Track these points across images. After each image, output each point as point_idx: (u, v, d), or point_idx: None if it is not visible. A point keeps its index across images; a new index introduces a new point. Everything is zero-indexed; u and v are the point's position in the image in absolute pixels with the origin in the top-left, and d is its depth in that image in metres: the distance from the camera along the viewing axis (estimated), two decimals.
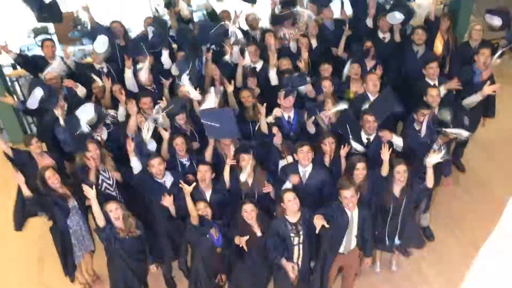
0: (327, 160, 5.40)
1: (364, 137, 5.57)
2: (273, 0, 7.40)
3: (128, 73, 6.41)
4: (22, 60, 6.82)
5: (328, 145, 5.32)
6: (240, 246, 4.77)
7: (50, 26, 11.52)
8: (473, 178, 7.09)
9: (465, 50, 6.86)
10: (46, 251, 6.10)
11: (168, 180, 5.26)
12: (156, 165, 5.14)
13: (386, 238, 5.32)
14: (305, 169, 5.22)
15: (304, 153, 5.11)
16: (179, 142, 5.43)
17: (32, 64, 6.82)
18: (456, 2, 8.43)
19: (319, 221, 4.52)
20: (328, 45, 7.28)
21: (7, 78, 7.90)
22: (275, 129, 5.53)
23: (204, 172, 5.07)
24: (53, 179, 4.99)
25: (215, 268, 5.13)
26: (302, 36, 6.93)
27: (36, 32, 11.05)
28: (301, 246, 4.81)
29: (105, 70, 6.78)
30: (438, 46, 7.10)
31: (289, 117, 5.87)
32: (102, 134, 5.80)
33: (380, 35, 7.19)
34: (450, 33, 7.19)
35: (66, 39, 11.47)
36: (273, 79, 6.40)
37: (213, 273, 5.15)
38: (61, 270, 5.43)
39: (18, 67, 9.67)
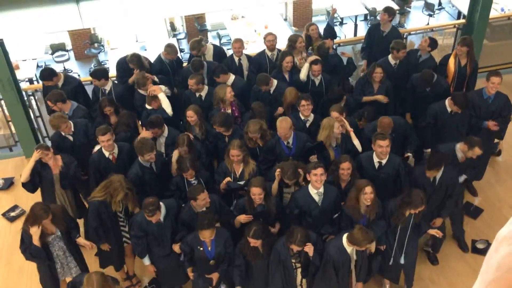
0: (343, 186, 5.36)
1: (375, 161, 5.56)
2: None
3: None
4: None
5: (345, 170, 5.27)
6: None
7: (67, 43, 11.73)
8: (483, 202, 6.99)
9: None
10: None
11: (161, 216, 5.13)
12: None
13: (392, 257, 5.30)
14: (319, 191, 5.14)
15: (318, 176, 5.00)
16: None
17: None
18: (469, 25, 8.45)
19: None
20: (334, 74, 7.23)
21: (24, 92, 8.03)
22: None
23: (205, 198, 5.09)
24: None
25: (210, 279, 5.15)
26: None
27: (54, 48, 11.26)
28: (302, 268, 4.84)
29: (106, 89, 6.88)
30: (451, 67, 7.08)
31: (288, 142, 5.80)
32: (114, 151, 5.83)
33: (391, 61, 7.18)
34: (470, 58, 7.02)
35: (83, 56, 11.69)
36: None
37: (209, 284, 5.18)
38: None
39: (34, 81, 9.89)
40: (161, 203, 5.08)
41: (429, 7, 12.49)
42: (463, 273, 6.01)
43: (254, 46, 10.01)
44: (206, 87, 6.72)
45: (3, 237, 6.83)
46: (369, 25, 12.18)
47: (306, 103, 6.05)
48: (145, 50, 10.20)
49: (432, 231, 5.24)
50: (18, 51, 10.24)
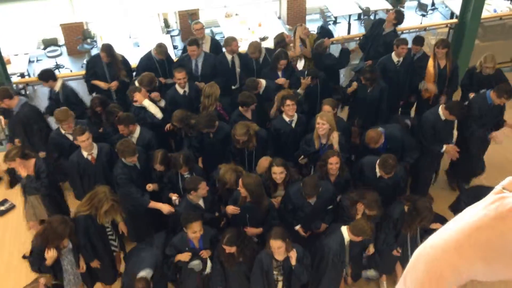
0: (332, 180, 5.39)
1: (378, 170, 5.50)
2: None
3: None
4: None
5: (333, 164, 5.29)
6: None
7: (60, 38, 11.62)
8: None
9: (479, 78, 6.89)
10: None
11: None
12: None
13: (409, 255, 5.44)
14: None
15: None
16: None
17: None
18: (461, 25, 8.49)
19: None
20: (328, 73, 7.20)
21: (14, 86, 7.99)
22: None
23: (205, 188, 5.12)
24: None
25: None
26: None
27: (46, 43, 11.19)
28: (284, 282, 4.85)
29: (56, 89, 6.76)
30: (430, 69, 7.09)
31: None
32: (93, 151, 5.67)
33: (395, 58, 7.14)
34: (449, 59, 7.05)
35: (75, 51, 11.61)
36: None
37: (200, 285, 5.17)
38: None
39: (26, 76, 9.82)
40: (148, 273, 4.73)
41: (422, 7, 12.54)
42: None
43: (247, 44, 9.97)
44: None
45: None
46: (362, 25, 12.23)
47: (291, 103, 5.96)
48: (138, 46, 10.15)
49: (434, 225, 5.18)
50: (10, 46, 10.17)
